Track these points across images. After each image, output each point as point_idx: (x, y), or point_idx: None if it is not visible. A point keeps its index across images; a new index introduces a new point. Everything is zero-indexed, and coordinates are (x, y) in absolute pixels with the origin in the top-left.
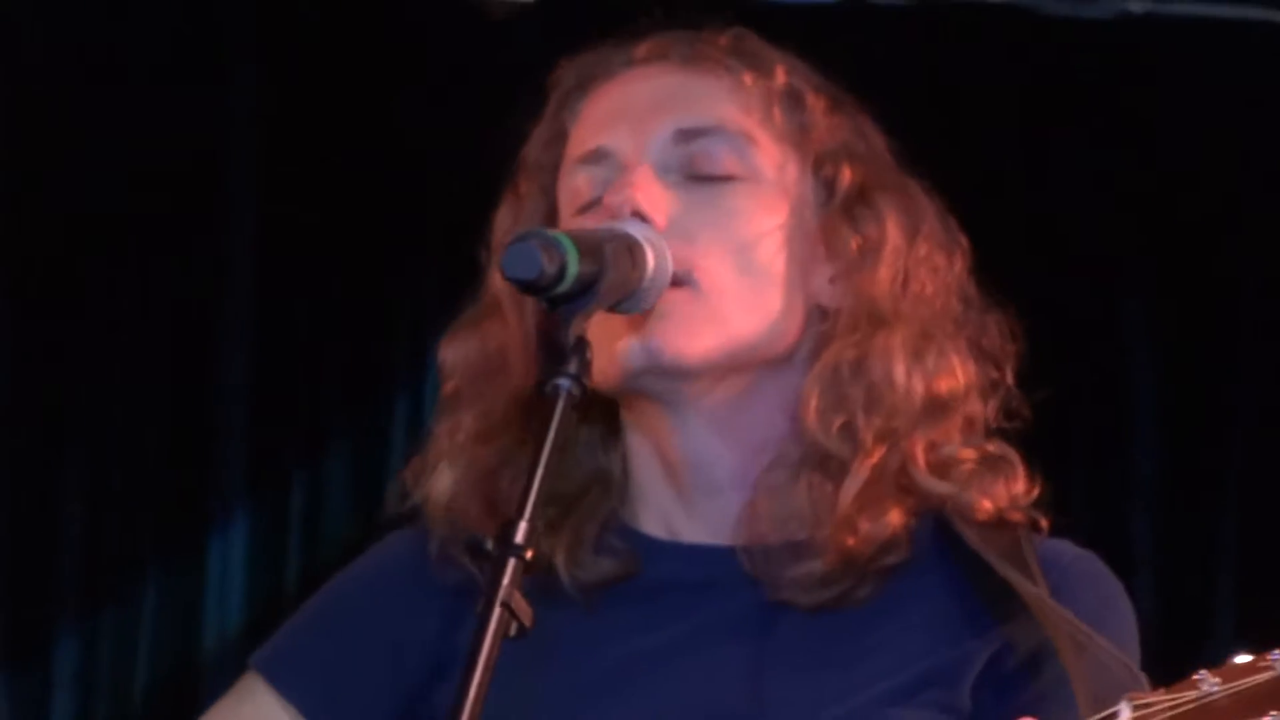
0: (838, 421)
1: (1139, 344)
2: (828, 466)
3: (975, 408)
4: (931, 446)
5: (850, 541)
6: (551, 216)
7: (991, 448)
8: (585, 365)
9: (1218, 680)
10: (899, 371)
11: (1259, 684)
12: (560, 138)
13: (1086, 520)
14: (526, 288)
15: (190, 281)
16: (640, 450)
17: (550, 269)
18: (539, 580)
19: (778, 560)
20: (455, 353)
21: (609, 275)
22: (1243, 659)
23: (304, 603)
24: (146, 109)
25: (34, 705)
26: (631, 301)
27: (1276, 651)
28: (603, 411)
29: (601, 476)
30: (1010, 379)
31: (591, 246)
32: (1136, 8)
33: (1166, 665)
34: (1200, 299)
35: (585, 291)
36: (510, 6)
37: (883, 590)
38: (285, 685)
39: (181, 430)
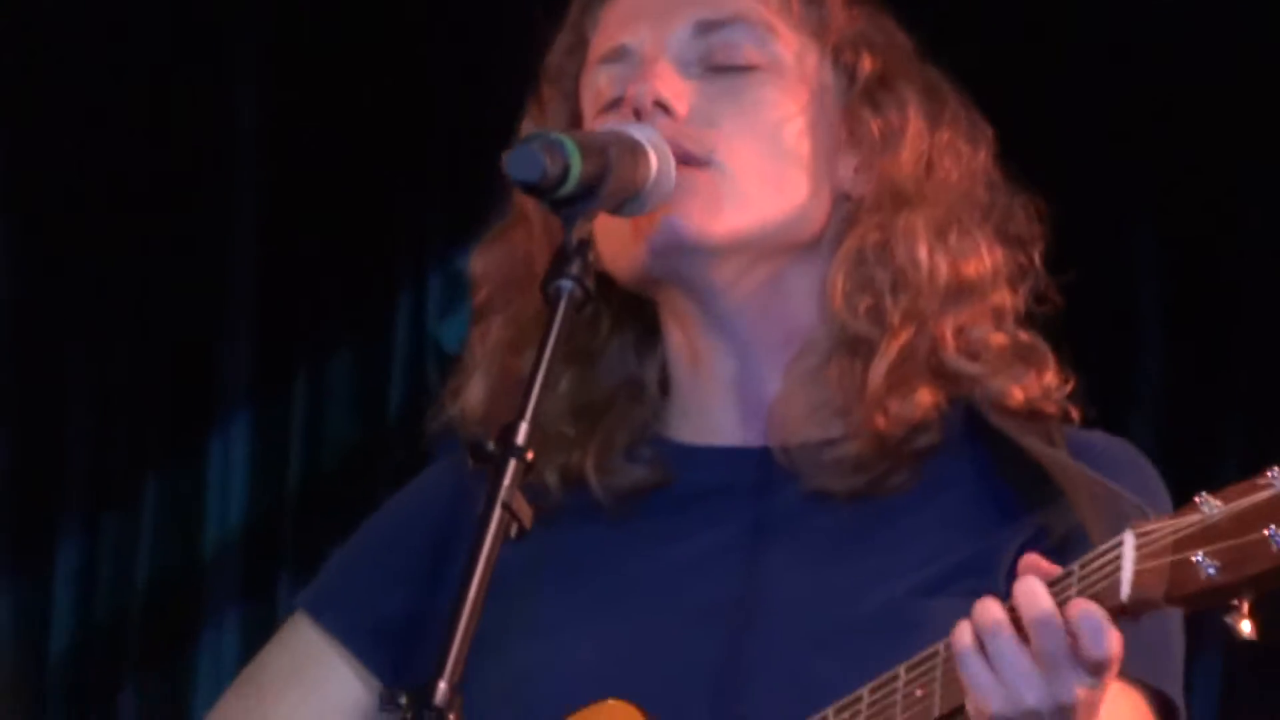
0: (864, 304)
1: (1144, 256)
2: (856, 349)
3: (1004, 295)
4: (960, 330)
5: (881, 422)
6: (576, 121)
7: (1024, 336)
8: (587, 266)
9: (1218, 502)
10: (922, 251)
11: (1258, 502)
12: (582, 44)
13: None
14: (529, 189)
15: (194, 187)
16: (675, 347)
17: (553, 170)
18: (569, 497)
19: (813, 453)
20: (484, 262)
21: (612, 177)
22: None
23: (347, 539)
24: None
25: (37, 602)
26: (635, 204)
27: (1274, 469)
28: (637, 317)
29: (633, 384)
30: (1038, 263)
31: (595, 148)
32: None
33: None
34: (1208, 213)
35: (588, 193)
36: None
37: (917, 477)
38: (332, 622)
39: (184, 332)
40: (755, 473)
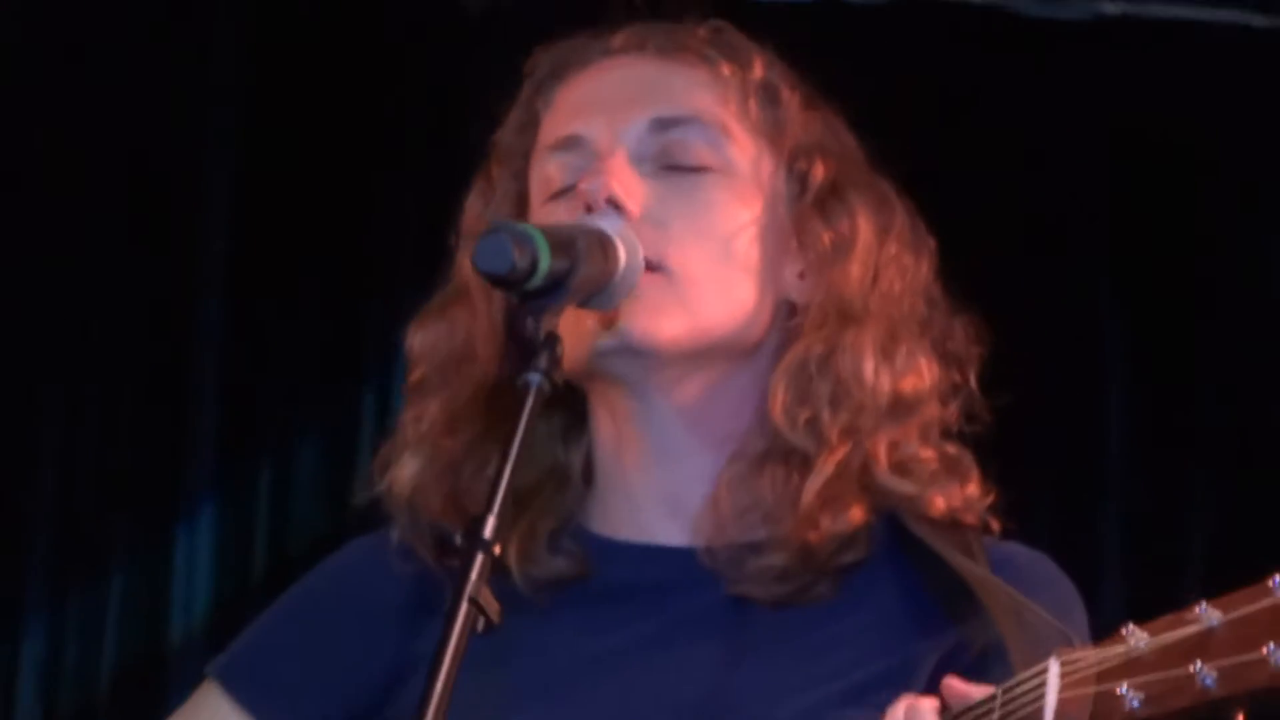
0: (803, 416)
1: (1113, 343)
2: (791, 460)
3: (936, 409)
4: (894, 446)
5: (812, 537)
6: (522, 203)
7: (950, 449)
8: (556, 361)
9: (1144, 633)
10: (868, 369)
11: (1184, 636)
12: (533, 124)
13: (1054, 522)
14: (498, 281)
15: (162, 274)
16: (603, 439)
17: (522, 263)
18: (499, 582)
19: (737, 557)
20: (423, 339)
21: (580, 271)
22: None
23: (261, 612)
24: (125, 96)
25: (1, 691)
26: (602, 298)
27: (1202, 604)
28: (566, 404)
29: (559, 472)
30: (973, 383)
31: (563, 241)
32: (1111, 9)
33: None
34: (1173, 300)
35: (556, 287)
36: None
37: (839, 587)
38: (243, 694)
39: (150, 420)
40: (678, 572)
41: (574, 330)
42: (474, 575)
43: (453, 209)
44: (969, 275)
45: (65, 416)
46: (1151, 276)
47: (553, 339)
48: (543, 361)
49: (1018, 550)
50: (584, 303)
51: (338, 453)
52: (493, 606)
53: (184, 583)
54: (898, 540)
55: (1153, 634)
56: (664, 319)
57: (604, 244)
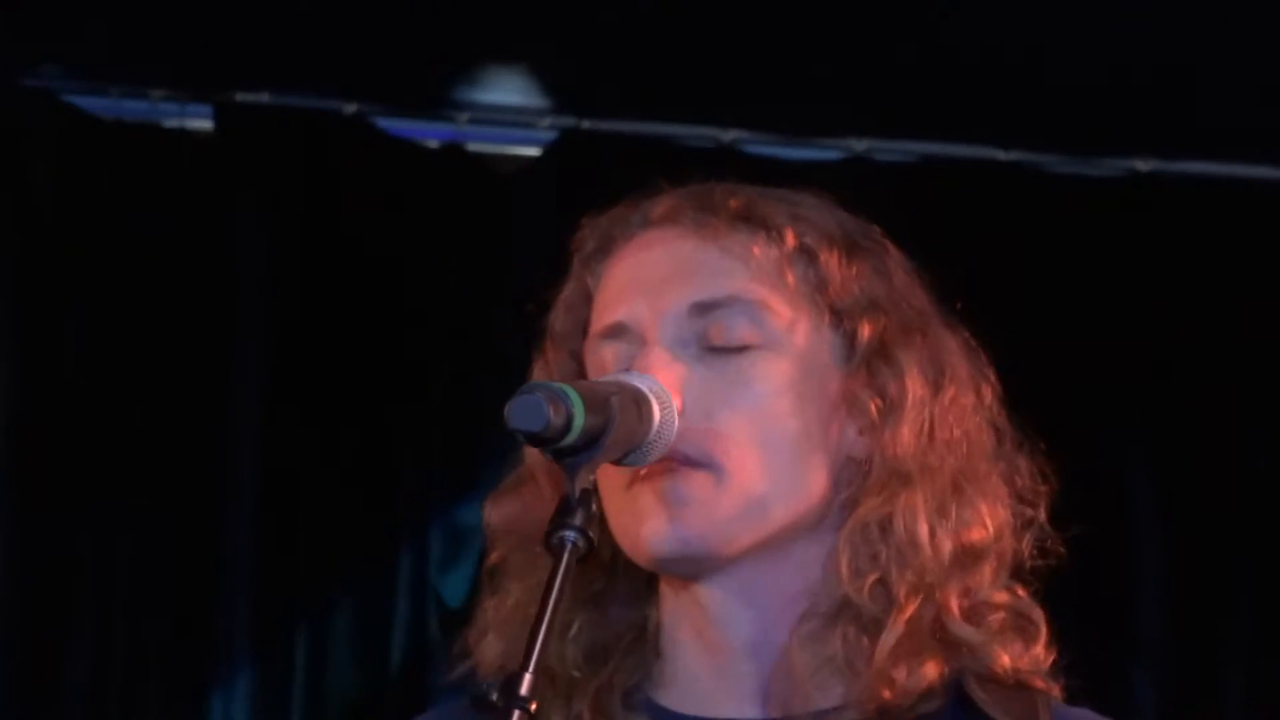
0: (871, 579)
1: (1143, 506)
2: (862, 620)
3: (1008, 546)
4: (965, 593)
5: (887, 694)
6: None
7: (1020, 595)
8: (591, 517)
9: None
10: (923, 532)
11: None
12: (585, 301)
13: (1089, 682)
14: (532, 439)
15: (196, 435)
16: (669, 614)
17: (556, 421)
18: None
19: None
20: (498, 517)
21: (615, 428)
22: None
23: None
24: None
25: None
26: (638, 455)
27: None
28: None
29: (637, 625)
30: (1043, 517)
31: (598, 399)
32: (1143, 166)
33: None
34: (1205, 462)
35: (591, 444)
36: (517, 161)
37: None
38: None
39: (186, 586)
40: None
41: (631, 513)
42: None
43: (482, 374)
44: None
45: (98, 581)
46: (1187, 441)
47: (588, 496)
48: (578, 518)
49: (1086, 715)
50: (619, 459)
51: (373, 618)
52: None
53: None
54: (964, 702)
55: None
56: (719, 519)
57: (638, 400)
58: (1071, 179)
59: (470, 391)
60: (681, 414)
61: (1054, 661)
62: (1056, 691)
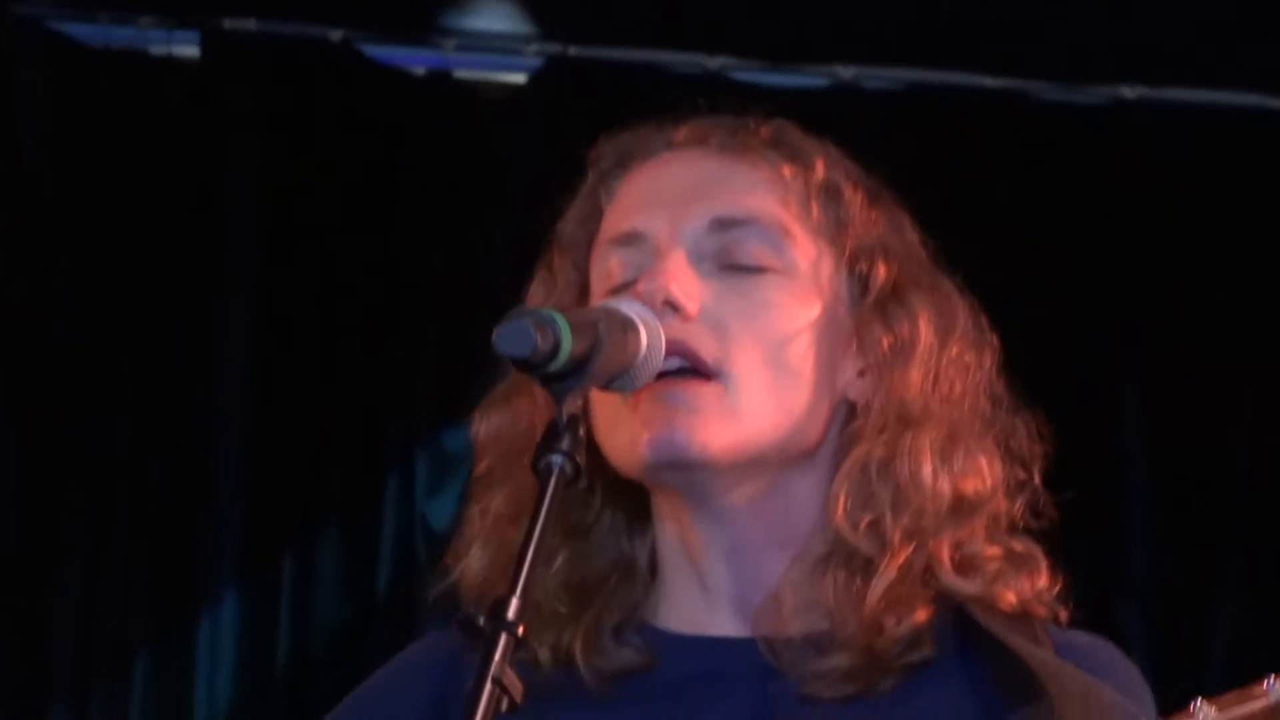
0: (865, 520)
1: (1134, 437)
2: (854, 563)
3: (1001, 505)
4: (957, 545)
5: (877, 640)
6: (584, 293)
7: (1017, 545)
8: (578, 442)
9: (1213, 710)
10: (926, 473)
11: (1252, 712)
12: (595, 215)
13: (1078, 617)
14: (519, 365)
15: (185, 366)
16: (666, 537)
17: (544, 346)
18: (560, 676)
19: (801, 653)
20: (487, 428)
21: (602, 353)
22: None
23: (334, 709)
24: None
25: None
26: (624, 380)
27: (1271, 678)
28: (630, 497)
29: (624, 564)
30: (1037, 479)
31: (585, 324)
32: (1130, 93)
33: None
34: (1194, 394)
35: (578, 369)
36: (503, 88)
37: (904, 681)
38: None
39: (172, 514)
40: (741, 665)
41: (624, 425)
42: (497, 656)
43: (473, 299)
44: None
45: (88, 510)
46: (1176, 369)
47: (575, 421)
48: (565, 444)
49: (1081, 637)
50: (607, 385)
51: (359, 542)
52: (516, 688)
53: (207, 676)
54: (964, 632)
55: (1220, 709)
56: (721, 432)
57: (625, 326)
58: (1058, 106)
59: (457, 317)
60: (695, 319)
61: (1060, 590)
62: (1063, 616)
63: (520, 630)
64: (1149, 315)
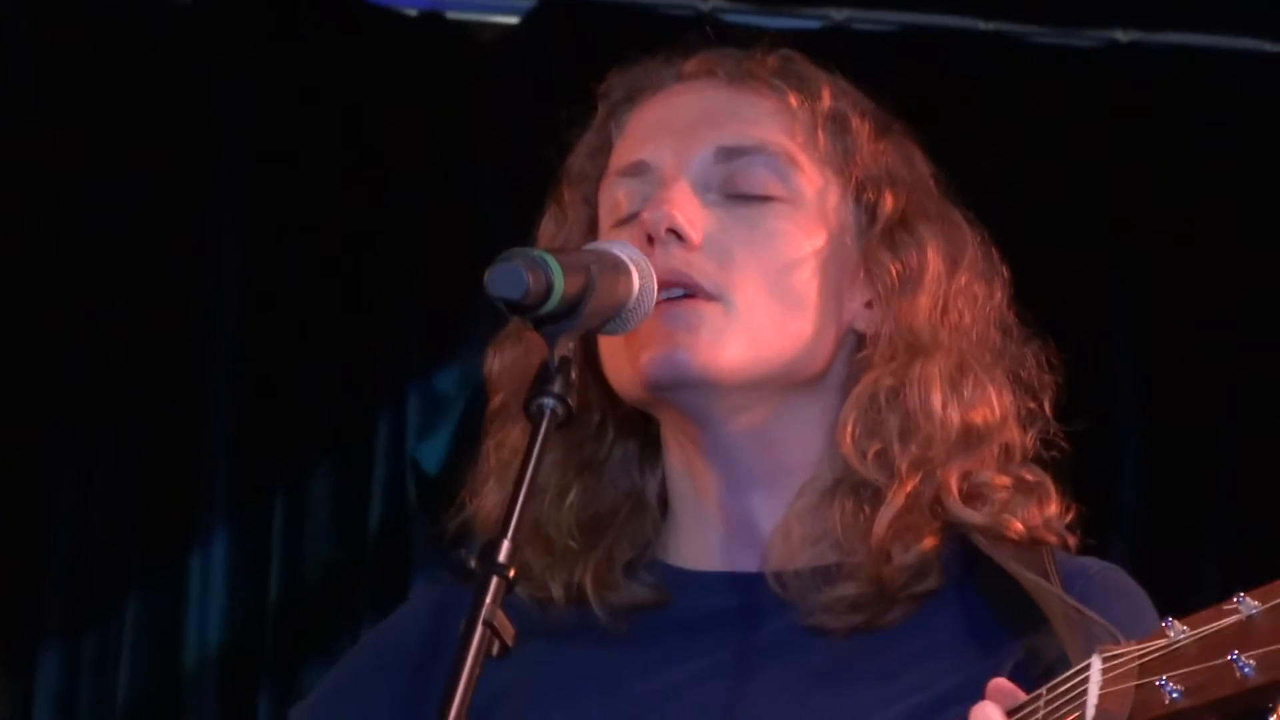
0: (873, 448)
1: (1125, 373)
2: (861, 492)
3: (1012, 436)
4: (965, 475)
5: (884, 569)
6: (593, 226)
7: (1028, 475)
8: (570, 385)
9: (1184, 627)
10: (936, 401)
11: (1223, 627)
12: (605, 148)
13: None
14: (512, 307)
15: (174, 301)
16: (675, 469)
17: (536, 288)
18: (573, 613)
19: (809, 585)
20: (500, 364)
21: (594, 295)
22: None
23: (337, 661)
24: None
25: None
26: (617, 322)
27: (1241, 594)
28: (640, 428)
29: (635, 497)
30: (1048, 410)
31: (577, 267)
32: (1124, 36)
33: None
34: (1185, 330)
35: (570, 311)
36: (496, 29)
37: (912, 611)
38: None
39: (164, 449)
40: (750, 598)
41: (628, 349)
42: (488, 599)
43: (464, 238)
44: None
45: (77, 446)
46: (1167, 307)
47: (567, 363)
48: (557, 386)
49: (1090, 563)
50: (599, 327)
51: (351, 478)
52: (508, 630)
53: (198, 611)
54: (969, 560)
55: (1193, 627)
56: (723, 349)
57: (617, 268)
58: (1051, 49)
59: (449, 258)
60: (698, 248)
61: (1075, 519)
62: (1072, 542)
63: (511, 573)
64: (1142, 257)
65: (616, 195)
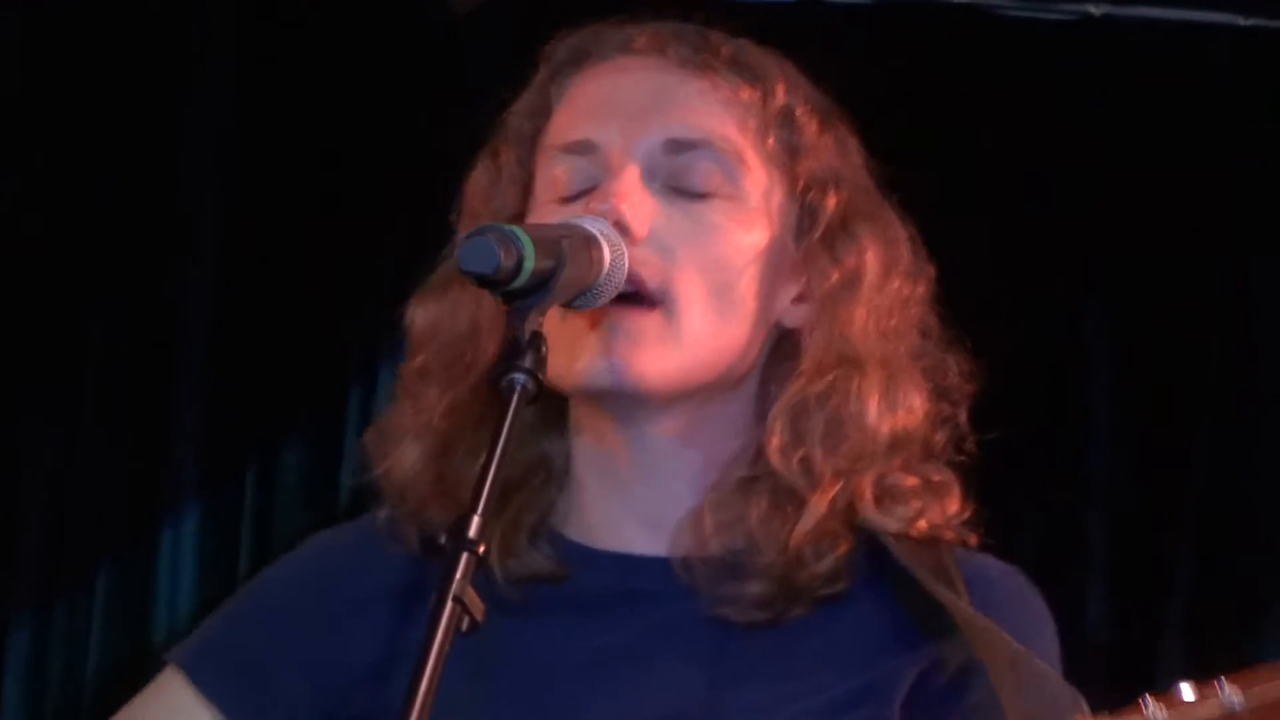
0: (798, 454)
1: (1097, 344)
2: (780, 493)
3: (928, 436)
4: (879, 478)
5: (798, 574)
6: (527, 191)
7: (935, 475)
8: (540, 361)
9: (1161, 711)
10: (871, 415)
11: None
12: (544, 110)
13: (1040, 522)
14: (483, 282)
15: (147, 276)
16: (583, 448)
17: (507, 263)
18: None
19: (716, 575)
20: (424, 319)
21: (565, 271)
22: (1187, 691)
23: (227, 599)
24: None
25: None
26: (587, 297)
27: (1223, 682)
28: (553, 399)
29: (543, 462)
30: (963, 418)
31: (549, 242)
32: (1096, 10)
33: (1123, 667)
34: (1158, 306)
35: (541, 286)
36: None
37: (816, 610)
38: (208, 685)
39: (135, 422)
40: (655, 583)
41: (566, 344)
42: (458, 574)
43: (437, 205)
44: (947, 279)
45: (48, 420)
46: (1139, 278)
47: (537, 339)
48: (527, 361)
49: (990, 564)
50: (569, 303)
51: (322, 453)
52: (478, 606)
53: (168, 584)
54: (875, 559)
55: (1169, 707)
56: (660, 362)
57: (589, 244)
58: (1025, 22)
59: (422, 230)
60: (642, 242)
61: (973, 516)
62: (973, 541)
63: (481, 548)
64: (1113, 228)
65: (557, 171)
